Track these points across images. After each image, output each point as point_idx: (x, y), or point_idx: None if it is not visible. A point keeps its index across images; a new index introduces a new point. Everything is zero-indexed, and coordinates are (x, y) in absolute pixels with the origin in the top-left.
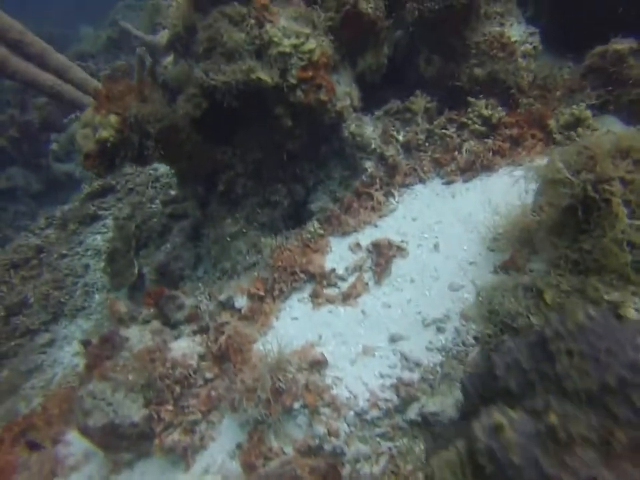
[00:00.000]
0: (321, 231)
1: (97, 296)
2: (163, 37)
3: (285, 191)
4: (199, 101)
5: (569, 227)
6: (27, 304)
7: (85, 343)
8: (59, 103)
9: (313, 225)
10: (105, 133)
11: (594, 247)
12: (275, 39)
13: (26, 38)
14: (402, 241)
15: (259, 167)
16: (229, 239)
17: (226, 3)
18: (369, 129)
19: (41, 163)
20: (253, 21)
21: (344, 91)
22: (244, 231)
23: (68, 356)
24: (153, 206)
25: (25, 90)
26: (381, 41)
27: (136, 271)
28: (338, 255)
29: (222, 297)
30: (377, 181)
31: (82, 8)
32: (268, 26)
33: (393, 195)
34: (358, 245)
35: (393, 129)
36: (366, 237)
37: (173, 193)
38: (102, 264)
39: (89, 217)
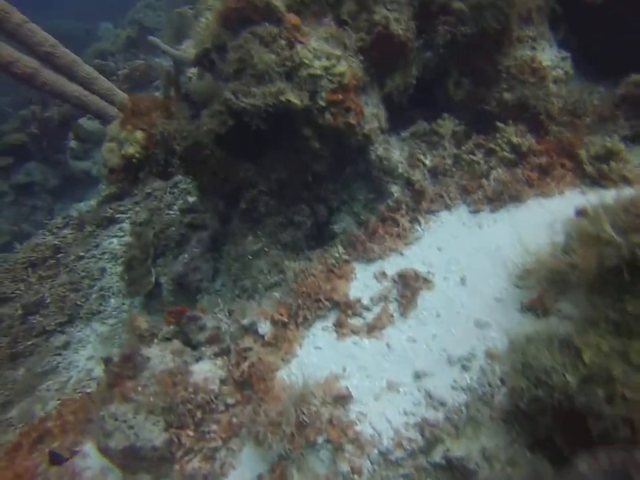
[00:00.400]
0: (346, 257)
1: (112, 300)
2: (188, 47)
3: (308, 211)
4: (225, 118)
5: (611, 287)
6: (44, 304)
7: (106, 361)
8: (84, 112)
9: (338, 251)
10: (130, 150)
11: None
12: (306, 61)
13: (57, 51)
14: (428, 272)
15: (283, 186)
16: (250, 257)
17: (257, 23)
18: (396, 153)
19: (59, 159)
20: (283, 42)
21: (372, 112)
22: (265, 249)
23: (83, 359)
24: (171, 212)
25: None
26: (410, 61)
27: (153, 279)
28: (363, 282)
29: (245, 322)
30: (403, 206)
31: (103, 4)
32: (299, 47)
33: (418, 222)
34: (383, 273)
35: (419, 152)
36: (391, 265)
37: (191, 200)
38: (118, 268)
39: (106, 219)
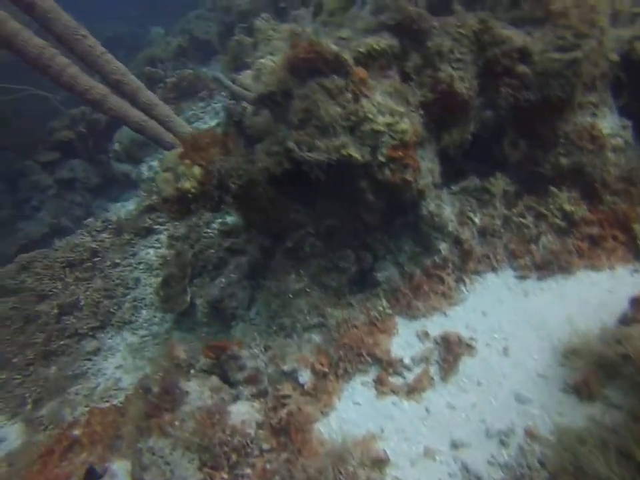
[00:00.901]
0: (389, 311)
1: (144, 311)
2: (246, 78)
3: (353, 258)
4: (282, 160)
5: None
6: (78, 306)
7: (146, 390)
8: (143, 136)
9: (382, 304)
10: (187, 184)
11: None
12: (370, 116)
13: (125, 78)
14: (471, 338)
15: (332, 231)
16: (291, 295)
17: (325, 74)
18: (447, 210)
19: (102, 159)
20: (350, 95)
21: (427, 167)
22: (307, 290)
23: (111, 367)
24: (209, 230)
25: None
26: (469, 118)
27: (188, 299)
28: (405, 339)
29: (286, 368)
30: (450, 264)
31: (155, 10)
32: (364, 101)
33: (464, 282)
34: (426, 333)
35: (469, 209)
36: (434, 325)
37: (229, 220)
38: (152, 279)
39: (145, 229)
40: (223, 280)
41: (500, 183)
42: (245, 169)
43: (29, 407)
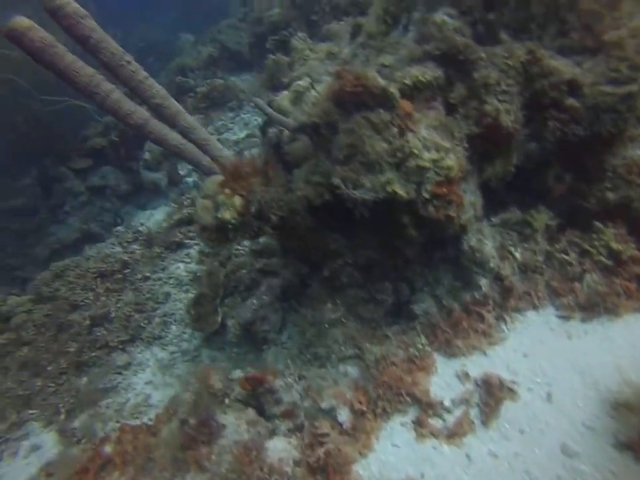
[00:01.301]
0: (428, 348)
1: (173, 327)
2: (284, 99)
3: (391, 290)
4: (323, 191)
5: None
6: (109, 318)
7: (183, 422)
8: (180, 159)
9: (421, 341)
10: (227, 215)
11: None
12: (415, 151)
13: (165, 102)
14: (513, 382)
15: (371, 263)
16: (327, 325)
17: (371, 107)
18: (488, 245)
19: (132, 166)
20: (395, 130)
21: (469, 201)
22: (343, 320)
23: (141, 383)
24: (240, 248)
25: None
26: (512, 150)
27: (219, 319)
28: (444, 379)
29: (324, 405)
30: (490, 301)
31: (188, 18)
32: (409, 136)
33: (504, 320)
34: (466, 374)
35: (510, 243)
36: (474, 365)
37: (261, 240)
38: (182, 295)
39: (175, 243)
40: (255, 301)
41: (542, 217)
42: (285, 199)
43: (62, 416)
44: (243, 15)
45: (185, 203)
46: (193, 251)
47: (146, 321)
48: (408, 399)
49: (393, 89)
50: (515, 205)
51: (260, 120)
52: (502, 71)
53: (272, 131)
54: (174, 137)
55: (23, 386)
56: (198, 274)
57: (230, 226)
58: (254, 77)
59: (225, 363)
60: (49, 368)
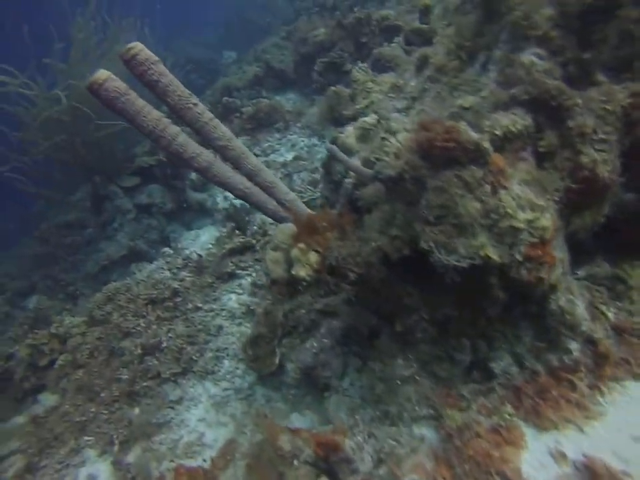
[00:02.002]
0: (515, 418)
1: (226, 362)
2: (349, 136)
3: (469, 348)
4: (401, 246)
5: None
6: (160, 348)
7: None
8: (245, 202)
9: (506, 409)
10: (302, 272)
11: None
12: (510, 212)
13: (230, 144)
14: (625, 473)
15: (449, 320)
16: (398, 382)
17: (462, 164)
18: (580, 306)
19: (177, 185)
20: (488, 187)
21: (558, 257)
22: (416, 377)
23: (194, 420)
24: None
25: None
26: (606, 200)
27: (277, 361)
28: (536, 457)
29: None
30: (582, 367)
31: (230, 36)
32: (502, 194)
33: (600, 391)
34: (562, 454)
35: (600, 301)
36: (570, 443)
37: None
38: (234, 328)
39: (227, 274)
40: (315, 344)
41: (638, 273)
42: (363, 253)
43: (116, 448)
44: (287, 33)
45: (238, 231)
46: (245, 282)
47: (198, 354)
48: (498, 478)
49: (486, 144)
50: (602, 256)
51: (306, 141)
52: (599, 117)
53: (348, 181)
54: (239, 180)
55: (79, 410)
56: (251, 307)
57: (304, 283)
58: (298, 96)
59: (282, 405)
60: (102, 395)
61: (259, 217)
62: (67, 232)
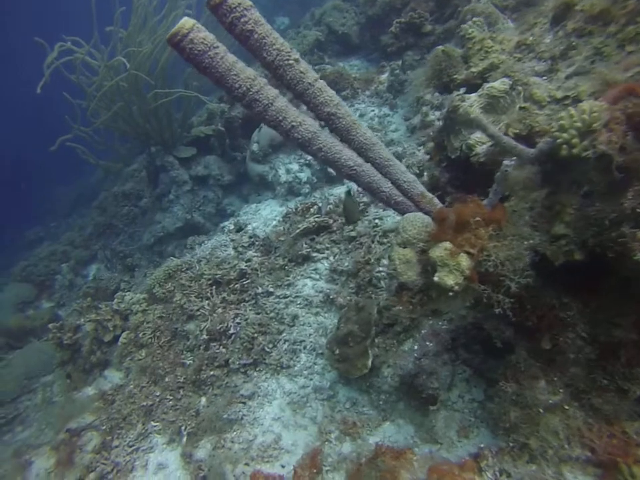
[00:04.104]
0: None
1: (303, 356)
2: (473, 105)
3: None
4: (572, 250)
5: None
6: (227, 334)
7: None
8: (356, 184)
9: None
10: (450, 280)
11: None
12: None
13: (339, 111)
14: None
15: (618, 343)
16: (541, 410)
17: None
18: None
19: (236, 156)
20: None
21: None
22: (565, 407)
23: (268, 419)
24: (382, 269)
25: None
26: None
27: (369, 363)
28: None
29: None
30: None
31: (282, 1)
32: None
33: None
34: None
35: None
36: None
37: None
38: (311, 318)
39: (301, 256)
40: (416, 348)
41: None
42: (525, 257)
43: (184, 439)
44: None
45: (312, 209)
46: (322, 267)
47: (270, 345)
48: None
49: None
50: None
51: (376, 111)
52: None
53: (507, 163)
54: (348, 155)
55: (143, 392)
56: (330, 296)
57: (451, 293)
58: (363, 62)
59: (371, 411)
60: (167, 379)
61: (335, 193)
62: (124, 202)
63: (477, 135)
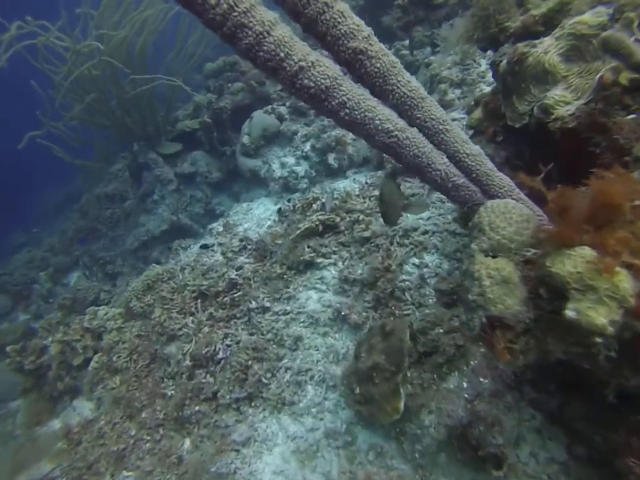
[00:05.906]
0: None
1: (309, 389)
2: (549, 51)
3: None
4: None
5: None
6: (215, 360)
7: None
8: (442, 194)
9: None
10: (599, 317)
11: None
12: None
13: (371, 47)
14: None
15: None
16: None
17: None
18: None
19: (225, 151)
20: None
21: None
22: None
23: (268, 473)
24: (406, 278)
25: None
26: None
27: (402, 406)
28: None
29: None
30: None
31: None
32: None
33: None
34: None
35: None
36: None
37: (440, 264)
38: (318, 340)
39: (303, 263)
40: (465, 385)
41: None
42: None
43: None
44: None
45: (315, 205)
46: (329, 275)
47: (269, 375)
48: None
49: None
50: None
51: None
52: None
53: None
54: (385, 114)
55: (115, 431)
56: (342, 312)
57: (598, 339)
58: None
59: (402, 465)
60: (144, 414)
61: (339, 187)
62: (107, 204)
63: (558, 92)
